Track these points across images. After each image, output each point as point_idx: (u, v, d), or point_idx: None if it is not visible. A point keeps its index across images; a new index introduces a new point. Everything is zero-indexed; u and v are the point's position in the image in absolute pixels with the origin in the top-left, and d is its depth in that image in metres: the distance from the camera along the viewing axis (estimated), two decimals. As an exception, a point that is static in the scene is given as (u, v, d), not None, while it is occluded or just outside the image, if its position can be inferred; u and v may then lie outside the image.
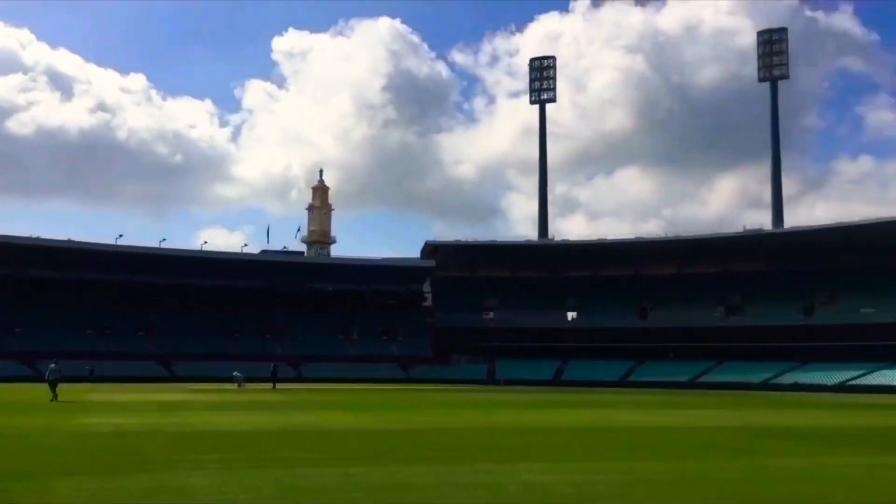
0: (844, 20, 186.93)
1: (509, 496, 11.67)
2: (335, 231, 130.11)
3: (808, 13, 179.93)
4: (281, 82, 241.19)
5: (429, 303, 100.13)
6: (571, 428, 25.87)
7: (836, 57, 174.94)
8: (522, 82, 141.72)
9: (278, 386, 56.99)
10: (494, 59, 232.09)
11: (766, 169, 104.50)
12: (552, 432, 24.11)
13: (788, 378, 74.60)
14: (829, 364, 74.49)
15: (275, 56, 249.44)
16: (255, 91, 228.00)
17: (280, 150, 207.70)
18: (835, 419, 32.38)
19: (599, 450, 19.12)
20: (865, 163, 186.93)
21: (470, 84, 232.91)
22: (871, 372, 71.89)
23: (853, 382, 70.47)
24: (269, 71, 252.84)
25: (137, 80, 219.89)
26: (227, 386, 58.50)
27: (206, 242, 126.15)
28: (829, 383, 71.09)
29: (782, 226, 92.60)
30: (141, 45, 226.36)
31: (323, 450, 17.86)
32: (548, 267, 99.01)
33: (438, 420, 27.97)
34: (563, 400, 45.98)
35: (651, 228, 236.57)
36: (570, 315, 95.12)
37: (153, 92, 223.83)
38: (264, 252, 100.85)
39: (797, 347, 77.81)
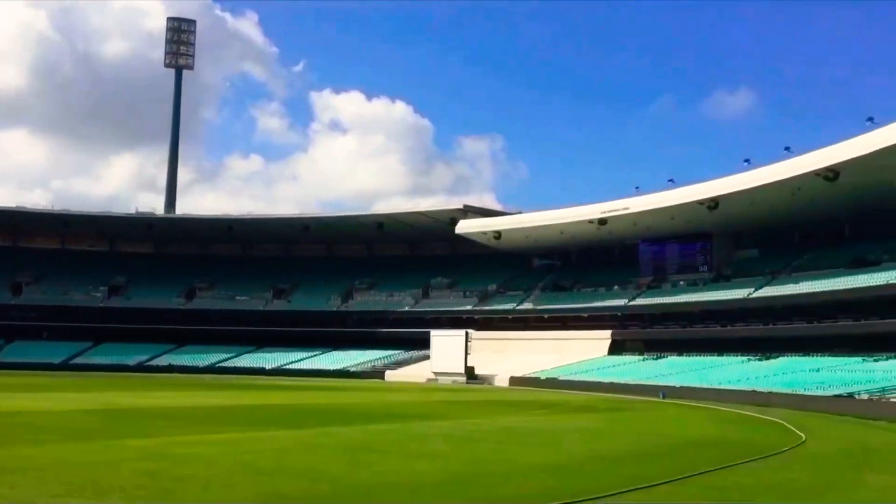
0: (249, 27, 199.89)
1: None
2: None
3: (218, 12, 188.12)
4: None
5: None
6: None
7: (239, 60, 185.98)
8: None
9: None
10: None
11: (163, 153, 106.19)
12: None
13: (164, 360, 76.58)
14: (204, 347, 78.71)
15: None
16: None
17: None
18: (195, 399, 34.42)
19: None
20: (255, 161, 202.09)
21: None
22: (240, 355, 78.28)
23: (223, 364, 75.74)
24: None
25: None
26: None
27: None
28: (201, 365, 75.11)
29: (174, 212, 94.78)
30: None
31: None
32: None
33: None
34: None
35: (36, 199, 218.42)
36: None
37: None
38: None
39: (176, 330, 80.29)
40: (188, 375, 67.46)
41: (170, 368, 73.59)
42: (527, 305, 74.69)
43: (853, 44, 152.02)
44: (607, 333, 66.69)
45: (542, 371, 61.51)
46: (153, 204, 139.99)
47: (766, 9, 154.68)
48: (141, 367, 74.18)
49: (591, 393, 50.59)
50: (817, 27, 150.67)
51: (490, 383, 63.94)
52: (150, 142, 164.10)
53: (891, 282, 47.80)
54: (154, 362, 76.25)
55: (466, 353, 66.31)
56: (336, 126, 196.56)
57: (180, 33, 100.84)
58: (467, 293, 79.54)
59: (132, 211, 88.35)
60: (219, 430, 20.89)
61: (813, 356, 50.70)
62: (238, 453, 15.96)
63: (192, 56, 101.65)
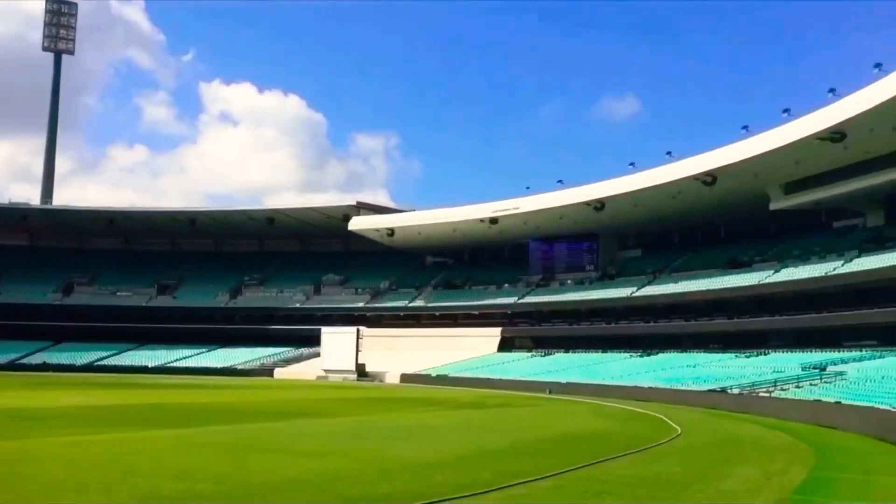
0: (135, 13, 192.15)
1: None
2: None
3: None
4: None
5: None
6: None
7: (123, 46, 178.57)
8: None
9: None
10: None
11: (40, 142, 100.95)
12: None
13: (38, 358, 72.89)
14: (83, 344, 75.33)
15: None
16: None
17: None
18: (70, 399, 32.99)
19: None
20: (140, 152, 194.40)
21: None
22: (121, 352, 75.33)
23: (103, 362, 72.71)
24: None
25: None
26: None
27: None
28: (78, 363, 71.89)
29: (51, 203, 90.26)
30: None
31: None
32: None
33: None
34: None
35: None
36: None
37: None
38: None
39: (52, 327, 76.54)
40: (64, 374, 64.45)
41: (44, 367, 70.07)
42: (419, 303, 74.99)
43: (733, 52, 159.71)
44: (497, 331, 67.76)
45: (432, 368, 61.91)
46: (28, 194, 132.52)
47: (649, 15, 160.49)
48: (12, 366, 70.29)
49: (480, 389, 51.28)
50: (698, 35, 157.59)
51: (381, 381, 63.89)
52: (25, 129, 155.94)
53: (761, 282, 50.53)
54: (27, 360, 72.44)
55: (357, 351, 66.02)
56: (226, 118, 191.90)
57: (60, 16, 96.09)
58: (359, 290, 79.18)
59: (5, 201, 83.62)
60: (95, 430, 20.09)
61: (690, 352, 53.03)
62: (116, 455, 15.41)
63: (73, 40, 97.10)
